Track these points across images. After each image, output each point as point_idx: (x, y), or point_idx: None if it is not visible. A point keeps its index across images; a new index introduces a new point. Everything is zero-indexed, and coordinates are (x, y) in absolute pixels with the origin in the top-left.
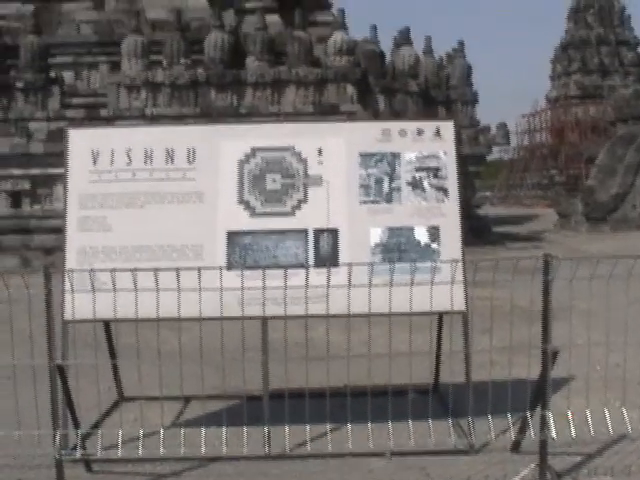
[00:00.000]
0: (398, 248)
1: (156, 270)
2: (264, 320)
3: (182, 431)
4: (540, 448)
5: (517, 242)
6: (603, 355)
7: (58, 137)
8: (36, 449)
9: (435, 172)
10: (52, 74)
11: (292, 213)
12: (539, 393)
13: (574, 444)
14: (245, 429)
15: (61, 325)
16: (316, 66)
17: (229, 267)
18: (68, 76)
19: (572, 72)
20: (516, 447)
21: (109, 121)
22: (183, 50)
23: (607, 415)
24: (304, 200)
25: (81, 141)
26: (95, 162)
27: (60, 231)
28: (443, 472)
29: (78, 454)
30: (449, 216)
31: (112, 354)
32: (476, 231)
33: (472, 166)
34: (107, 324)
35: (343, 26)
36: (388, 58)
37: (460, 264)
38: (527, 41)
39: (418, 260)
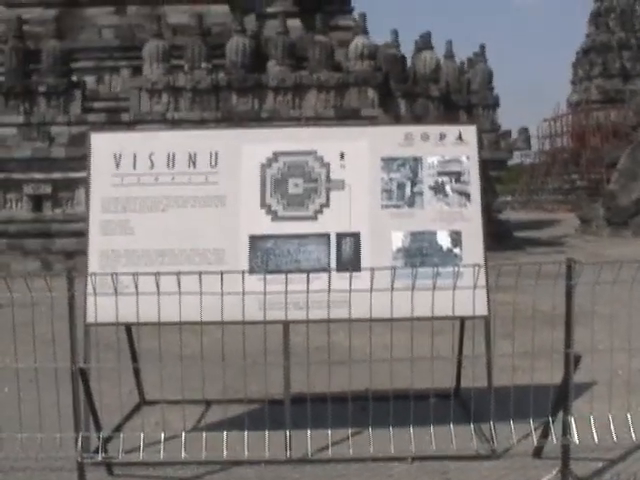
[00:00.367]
0: (420, 252)
1: (179, 274)
2: (286, 324)
3: (204, 435)
4: (562, 453)
5: (538, 247)
6: (625, 360)
7: (80, 141)
8: (58, 452)
9: (457, 176)
10: (74, 78)
11: (314, 217)
12: (561, 398)
13: (596, 449)
14: (267, 433)
15: (83, 328)
16: (337, 70)
17: (251, 271)
18: (90, 80)
19: (593, 76)
20: (538, 452)
21: (130, 125)
22: (204, 54)
23: (630, 420)
24: (326, 204)
25: (103, 145)
26: (118, 166)
27: (81, 235)
28: (464, 477)
29: (100, 457)
30: (471, 221)
31: (134, 357)
32: (497, 236)
33: (493, 171)
34: (129, 327)
35: (364, 30)
36: (409, 62)
37: (482, 269)
38: (550, 45)
39: (440, 265)
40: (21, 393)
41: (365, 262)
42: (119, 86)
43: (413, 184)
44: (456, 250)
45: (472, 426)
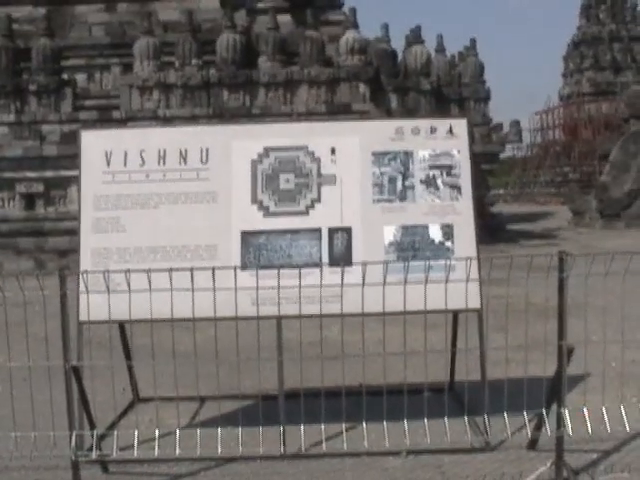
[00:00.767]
0: (412, 246)
1: (170, 270)
2: (279, 320)
3: (198, 431)
4: (556, 445)
5: (531, 239)
6: (619, 352)
7: (71, 139)
8: (52, 450)
9: (448, 170)
10: (65, 77)
11: (306, 212)
12: (555, 390)
13: (591, 441)
14: (261, 429)
15: (76, 326)
16: (328, 65)
17: (243, 267)
18: (80, 78)
19: (584, 69)
20: (532, 444)
21: (122, 123)
22: (195, 51)
23: (623, 411)
24: (318, 199)
25: (94, 143)
26: (108, 163)
27: (74, 233)
28: (459, 470)
29: (94, 455)
30: (463, 214)
31: (127, 355)
32: (490, 229)
33: (485, 164)
34: (122, 325)
35: (355, 25)
36: (400, 57)
37: (475, 262)
38: (539, 38)
39: (432, 258)
40: (14, 392)
41: (357, 257)
42: (110, 84)
43: (404, 178)
44: (448, 243)
45: (466, 419)
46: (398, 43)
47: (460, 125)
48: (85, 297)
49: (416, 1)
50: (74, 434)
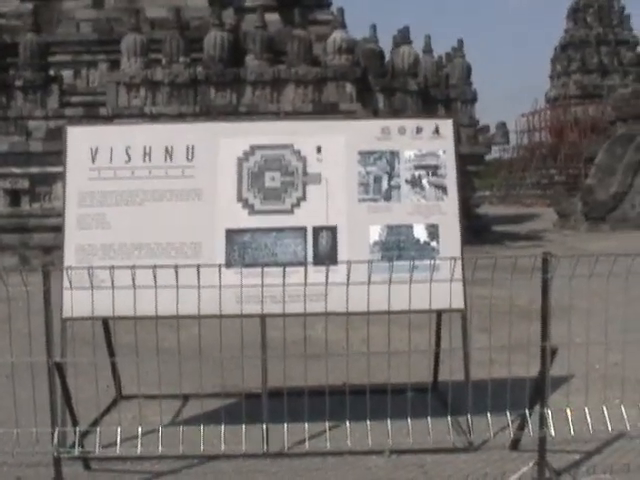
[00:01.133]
0: (397, 246)
1: (154, 267)
2: (263, 318)
3: (181, 429)
4: (539, 446)
5: (517, 241)
6: (602, 353)
7: (57, 135)
8: (34, 447)
9: (434, 170)
10: (51, 72)
11: (291, 211)
12: (538, 391)
13: (573, 442)
14: (244, 427)
15: (60, 323)
16: (315, 65)
17: (228, 265)
18: (67, 74)
19: (571, 72)
20: (515, 445)
21: (108, 120)
22: (182, 48)
23: (606, 413)
24: (303, 198)
25: (80, 139)
26: (94, 160)
27: (59, 230)
28: (442, 470)
29: (76, 452)
30: (448, 214)
31: (111, 352)
32: (476, 230)
33: (471, 165)
34: (106, 322)
35: (342, 25)
36: (387, 57)
37: (459, 262)
38: (527, 40)
39: (417, 258)
40: None
41: (342, 256)
42: (97, 80)
43: (390, 178)
44: (433, 243)
45: (449, 419)
46: (386, 43)
47: (446, 125)
48: (69, 293)
49: (404, 2)
50: (57, 431)
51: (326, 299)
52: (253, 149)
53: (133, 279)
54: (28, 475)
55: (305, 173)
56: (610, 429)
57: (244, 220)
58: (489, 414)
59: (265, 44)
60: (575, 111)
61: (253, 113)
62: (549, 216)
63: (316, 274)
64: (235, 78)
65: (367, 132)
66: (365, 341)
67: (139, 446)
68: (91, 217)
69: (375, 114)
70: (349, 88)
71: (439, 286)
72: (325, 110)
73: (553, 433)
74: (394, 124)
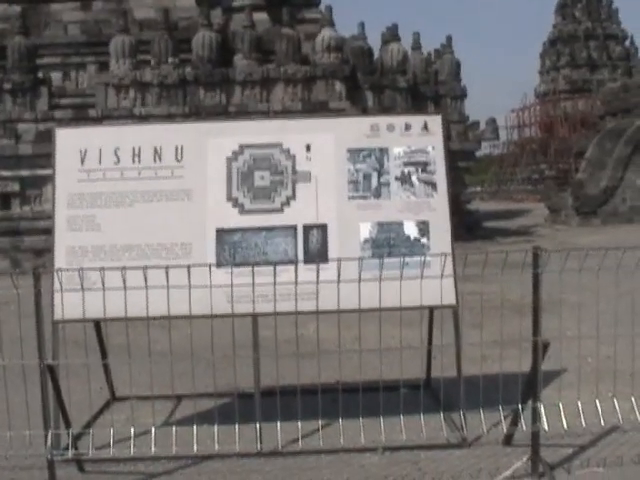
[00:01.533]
0: (387, 243)
1: (145, 268)
2: (254, 317)
3: (174, 430)
4: (532, 440)
5: (508, 237)
6: (594, 347)
7: (47, 138)
8: (28, 450)
9: (424, 167)
10: (40, 75)
11: (281, 210)
12: (530, 386)
13: (566, 436)
14: (237, 426)
15: (51, 325)
16: (304, 63)
17: (218, 265)
18: (56, 77)
19: (560, 67)
20: (508, 440)
21: (97, 121)
22: (171, 49)
23: (599, 407)
24: (293, 196)
25: (69, 141)
26: (83, 161)
27: (50, 232)
28: (435, 466)
29: (70, 454)
30: (438, 210)
31: (103, 354)
32: (467, 226)
33: (461, 161)
34: (97, 323)
35: (331, 23)
36: (376, 55)
37: (450, 258)
38: (517, 36)
39: (407, 255)
40: None
41: (332, 253)
42: (86, 82)
43: (379, 175)
44: (423, 240)
45: (442, 415)
46: (374, 41)
47: (435, 122)
48: (60, 295)
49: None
50: (50, 433)
51: (317, 297)
52: (242, 148)
53: (124, 280)
54: (22, 478)
55: (294, 172)
56: (603, 422)
57: (234, 220)
58: (482, 410)
59: (254, 43)
60: (565, 106)
61: (242, 113)
62: (540, 211)
63: (307, 272)
64: (224, 78)
65: (356, 130)
66: (357, 339)
67: (132, 447)
68: (81, 219)
69: (364, 112)
70: (338, 86)
71: (430, 282)
72: (314, 109)
73: (546, 427)
74: (383, 121)
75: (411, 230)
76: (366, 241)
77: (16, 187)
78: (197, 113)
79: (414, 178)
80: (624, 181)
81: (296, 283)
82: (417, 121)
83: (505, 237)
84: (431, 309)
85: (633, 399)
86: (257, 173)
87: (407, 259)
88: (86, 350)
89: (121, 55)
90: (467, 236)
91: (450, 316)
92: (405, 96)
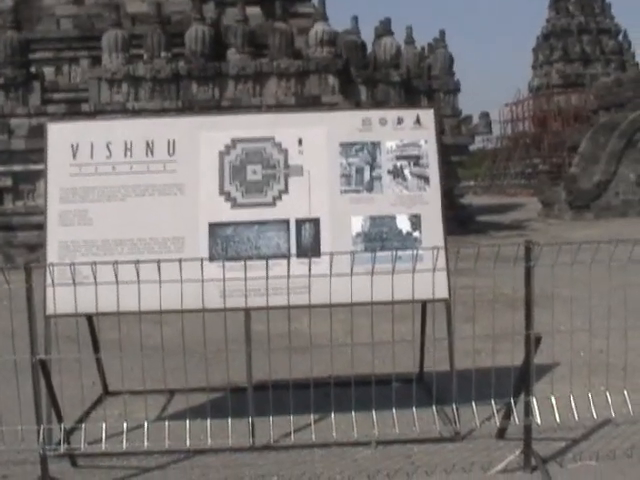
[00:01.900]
0: (380, 237)
1: (137, 262)
2: (247, 311)
3: (167, 424)
4: (525, 434)
5: (501, 231)
6: (587, 341)
7: (39, 133)
8: (20, 444)
9: (416, 160)
10: (32, 70)
11: (273, 204)
12: (523, 379)
13: (559, 430)
14: (230, 421)
15: (43, 320)
16: (297, 58)
17: (211, 259)
18: (49, 71)
19: (554, 61)
20: (501, 433)
21: (90, 116)
22: (164, 43)
23: (591, 400)
24: (285, 190)
25: (61, 135)
26: (75, 156)
27: (43, 227)
28: (428, 460)
29: (62, 449)
30: (431, 204)
31: (95, 348)
32: (460, 220)
33: (455, 155)
34: (90, 318)
35: (324, 17)
36: (369, 49)
37: (442, 252)
38: (510, 30)
39: (400, 249)
40: None
41: (325, 247)
42: (78, 76)
43: (372, 169)
44: (416, 234)
45: (435, 409)
46: (368, 35)
47: (427, 115)
48: (52, 290)
49: None
50: (42, 428)
51: (310, 291)
52: (234, 142)
53: (116, 275)
54: (15, 473)
55: (287, 165)
56: (595, 416)
57: (227, 214)
58: (474, 403)
59: (246, 38)
60: (558, 100)
61: (236, 107)
62: (533, 205)
63: (299, 266)
64: (217, 72)
65: (348, 123)
66: (350, 333)
67: (125, 442)
68: (73, 213)
69: (358, 106)
70: (331, 80)
71: (422, 276)
72: (308, 103)
73: (539, 421)
74: (375, 115)
75: (403, 224)
76: (358, 235)
77: (9, 182)
78: (190, 107)
79: (406, 172)
80: (617, 175)
81: (288, 277)
82: (409, 115)
83: (498, 231)
84: (424, 303)
85: (626, 392)
86: (249, 167)
87: (399, 253)
88: (78, 345)
89: (114, 49)
90: (460, 230)
91: (443, 310)
92: (398, 90)
